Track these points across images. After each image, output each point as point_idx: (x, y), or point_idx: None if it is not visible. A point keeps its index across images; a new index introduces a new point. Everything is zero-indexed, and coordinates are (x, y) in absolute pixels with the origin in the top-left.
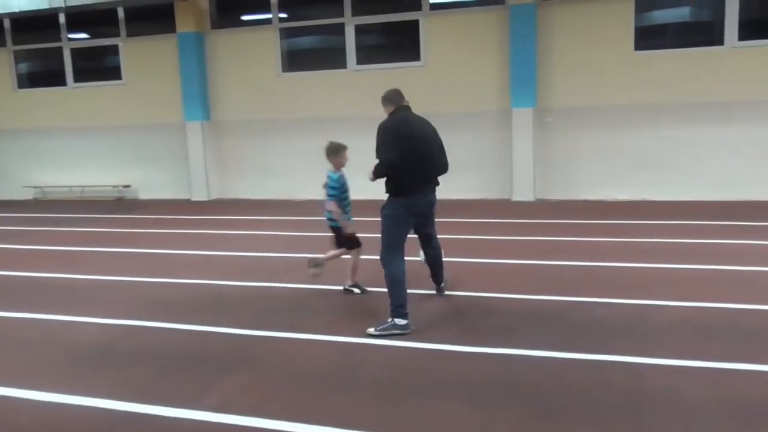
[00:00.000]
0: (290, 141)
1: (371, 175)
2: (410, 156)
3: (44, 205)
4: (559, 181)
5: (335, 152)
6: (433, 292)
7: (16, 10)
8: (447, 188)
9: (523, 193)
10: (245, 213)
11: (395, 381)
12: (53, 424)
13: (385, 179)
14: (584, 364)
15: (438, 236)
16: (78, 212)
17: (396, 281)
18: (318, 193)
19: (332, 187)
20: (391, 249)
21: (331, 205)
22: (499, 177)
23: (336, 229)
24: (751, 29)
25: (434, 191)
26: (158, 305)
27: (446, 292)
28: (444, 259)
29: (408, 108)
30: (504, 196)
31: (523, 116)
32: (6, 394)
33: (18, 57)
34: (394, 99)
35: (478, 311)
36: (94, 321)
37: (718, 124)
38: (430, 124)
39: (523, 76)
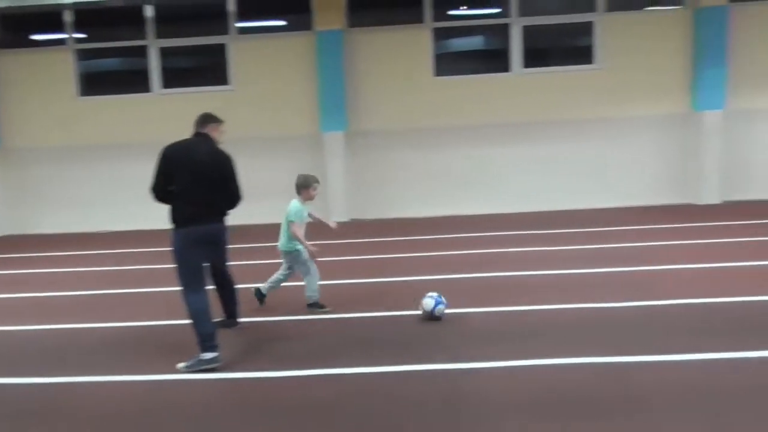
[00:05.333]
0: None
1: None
2: (186, 184)
3: None
4: (373, 200)
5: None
6: (243, 320)
7: None
8: (257, 213)
9: (340, 214)
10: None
11: (208, 415)
12: None
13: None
14: (397, 377)
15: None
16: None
17: (196, 315)
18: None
19: None
20: (187, 282)
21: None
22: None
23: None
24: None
25: (220, 221)
26: None
27: (248, 319)
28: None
29: (201, 135)
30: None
31: (334, 140)
32: None
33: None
34: (195, 123)
35: (285, 335)
36: None
37: (514, 144)
38: (222, 153)
39: (333, 101)
